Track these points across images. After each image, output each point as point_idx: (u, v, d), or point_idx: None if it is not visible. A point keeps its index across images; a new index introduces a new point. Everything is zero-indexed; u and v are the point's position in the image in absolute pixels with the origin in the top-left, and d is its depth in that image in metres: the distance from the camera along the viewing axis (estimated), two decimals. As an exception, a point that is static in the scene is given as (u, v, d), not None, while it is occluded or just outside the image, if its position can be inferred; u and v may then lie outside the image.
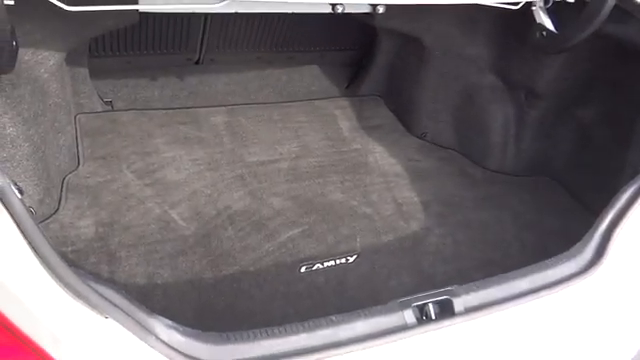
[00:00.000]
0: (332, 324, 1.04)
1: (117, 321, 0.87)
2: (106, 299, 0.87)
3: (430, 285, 1.57)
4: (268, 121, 2.20)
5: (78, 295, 0.85)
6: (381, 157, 2.12)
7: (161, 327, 0.92)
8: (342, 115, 2.33)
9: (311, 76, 2.48)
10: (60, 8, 1.28)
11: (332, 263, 1.61)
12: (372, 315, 1.08)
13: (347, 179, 1.96)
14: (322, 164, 2.02)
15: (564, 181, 2.10)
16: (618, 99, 1.88)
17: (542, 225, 1.88)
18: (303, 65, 2.45)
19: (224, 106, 2.22)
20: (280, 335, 0.98)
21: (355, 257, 1.64)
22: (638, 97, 1.70)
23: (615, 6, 1.58)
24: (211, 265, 1.52)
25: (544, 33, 1.71)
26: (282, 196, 1.83)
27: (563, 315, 1.27)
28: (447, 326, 1.13)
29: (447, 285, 1.16)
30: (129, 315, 0.88)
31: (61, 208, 1.59)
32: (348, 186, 1.93)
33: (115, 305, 0.87)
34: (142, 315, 0.90)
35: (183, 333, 0.94)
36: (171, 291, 1.42)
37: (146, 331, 0.90)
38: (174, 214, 1.66)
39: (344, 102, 2.41)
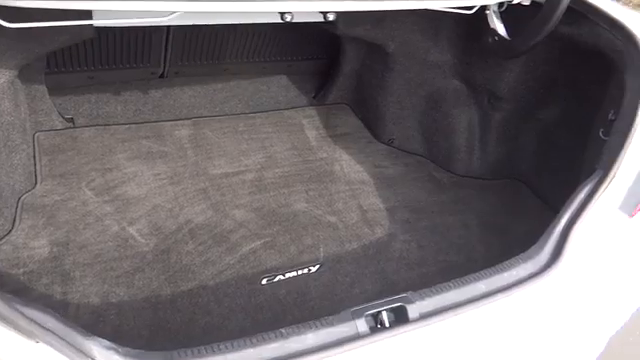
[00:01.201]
0: (281, 337, 1.02)
1: (49, 345, 0.84)
2: (36, 323, 0.84)
3: (393, 292, 1.55)
4: (234, 133, 2.19)
5: (4, 320, 0.82)
6: (347, 165, 2.11)
7: (99, 349, 0.89)
8: (309, 124, 2.33)
9: (279, 86, 2.47)
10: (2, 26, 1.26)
11: (294, 274, 1.58)
12: (323, 326, 1.07)
13: (312, 188, 1.95)
14: (287, 174, 2.00)
15: (530, 183, 2.10)
16: (577, 99, 1.89)
17: (507, 227, 1.88)
18: (270, 75, 2.44)
19: (189, 119, 2.20)
20: (226, 351, 0.96)
21: (318, 267, 1.62)
22: (595, 96, 1.71)
23: (568, 8, 1.60)
24: (169, 281, 1.49)
25: (496, 38, 1.71)
26: (245, 208, 1.80)
27: (521, 317, 1.26)
28: (402, 333, 1.11)
29: (411, 291, 1.15)
30: (63, 338, 0.85)
31: (14, 229, 1.55)
32: (313, 195, 1.91)
33: (46, 329, 0.84)
34: (78, 337, 0.87)
35: (123, 354, 0.92)
36: (126, 310, 1.39)
37: (82, 354, 0.87)
38: (133, 230, 1.63)
39: (312, 111, 2.41)
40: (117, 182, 1.82)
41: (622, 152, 1.37)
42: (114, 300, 1.41)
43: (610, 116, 1.53)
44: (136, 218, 1.68)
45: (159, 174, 1.89)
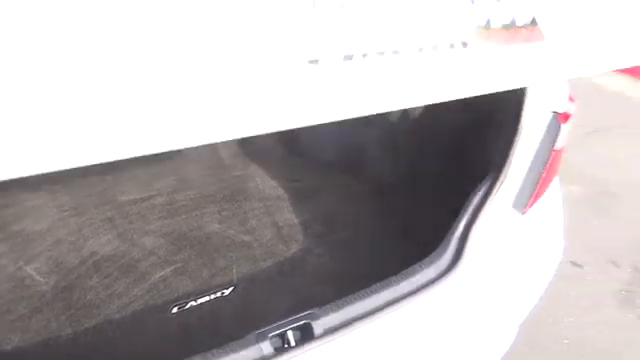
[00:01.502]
0: (182, 369, 0.99)
1: None
2: None
3: (307, 308, 1.55)
4: (144, 155, 2.11)
5: None
6: (262, 181, 2.09)
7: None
8: (224, 142, 2.29)
9: None
10: None
11: (206, 299, 1.55)
12: (227, 353, 1.05)
13: (225, 208, 1.92)
14: (200, 195, 1.96)
15: (443, 187, 2.16)
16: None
17: (420, 233, 1.92)
18: None
19: None
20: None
21: (231, 289, 1.59)
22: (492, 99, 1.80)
23: None
24: (71, 320, 1.41)
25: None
26: (155, 234, 1.75)
27: (429, 321, 1.30)
28: (307, 351, 1.11)
29: (318, 307, 1.16)
30: None
31: None
32: (226, 215, 1.88)
33: None
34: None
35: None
36: (21, 356, 1.30)
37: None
38: (30, 269, 1.54)
39: None
40: (15, 217, 1.71)
41: (510, 153, 1.45)
42: (8, 347, 1.31)
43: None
44: (35, 255, 1.59)
45: (62, 205, 1.80)
